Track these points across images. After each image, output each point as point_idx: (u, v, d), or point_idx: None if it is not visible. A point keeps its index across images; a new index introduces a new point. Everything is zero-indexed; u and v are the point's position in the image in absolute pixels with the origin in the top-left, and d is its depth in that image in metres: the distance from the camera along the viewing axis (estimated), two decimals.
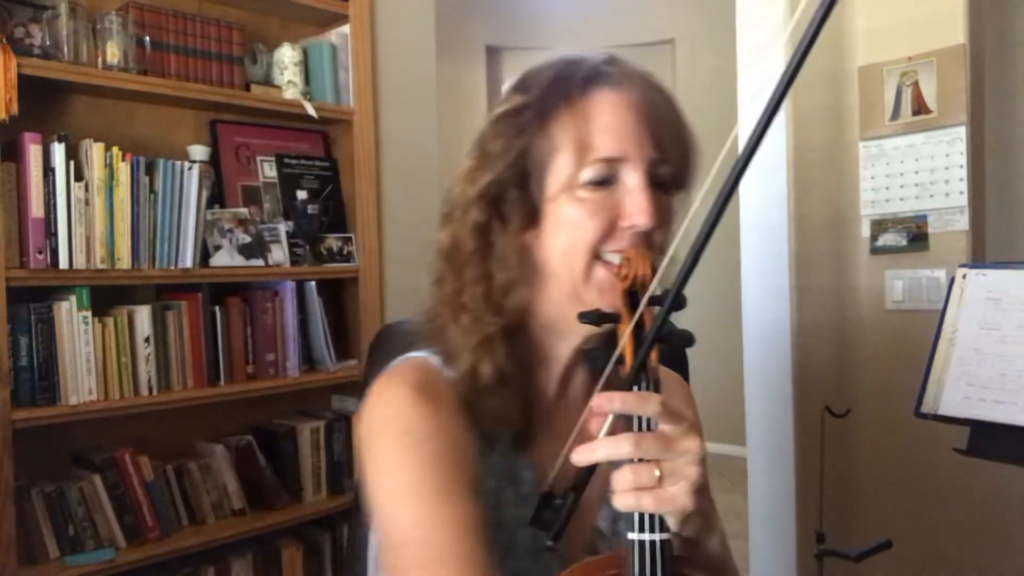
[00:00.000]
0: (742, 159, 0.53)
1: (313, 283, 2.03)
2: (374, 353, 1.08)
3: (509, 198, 0.78)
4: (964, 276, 1.50)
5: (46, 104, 1.73)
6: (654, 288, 0.66)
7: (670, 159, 0.77)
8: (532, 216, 0.78)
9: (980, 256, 2.16)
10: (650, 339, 0.63)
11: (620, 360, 0.67)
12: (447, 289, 0.82)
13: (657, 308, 0.66)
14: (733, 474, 3.31)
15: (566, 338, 0.82)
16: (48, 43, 1.65)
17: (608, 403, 0.63)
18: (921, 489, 2.18)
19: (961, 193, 2.12)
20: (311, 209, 2.01)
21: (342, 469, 2.03)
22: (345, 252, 2.12)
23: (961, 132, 2.11)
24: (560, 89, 0.77)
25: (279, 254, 1.95)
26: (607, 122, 0.75)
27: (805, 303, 2.29)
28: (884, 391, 2.24)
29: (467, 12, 4.44)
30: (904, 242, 2.22)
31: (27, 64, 1.56)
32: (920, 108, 2.17)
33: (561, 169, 0.76)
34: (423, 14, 2.36)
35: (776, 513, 2.31)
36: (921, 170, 2.18)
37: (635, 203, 0.74)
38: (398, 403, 0.76)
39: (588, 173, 0.75)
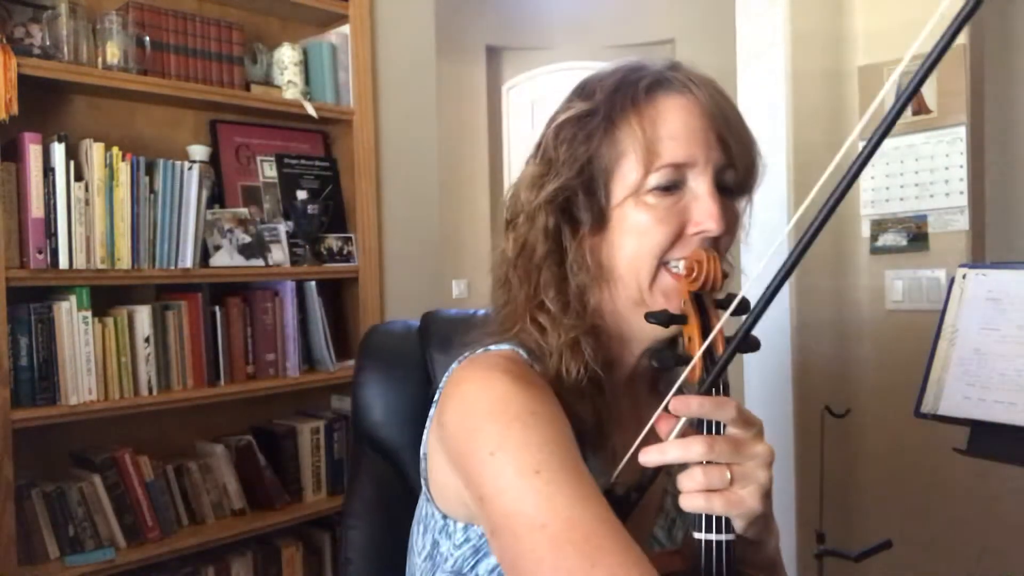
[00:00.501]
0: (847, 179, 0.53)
1: (313, 283, 2.03)
2: (364, 355, 1.08)
3: (577, 203, 0.78)
4: (964, 276, 1.50)
5: (46, 104, 1.73)
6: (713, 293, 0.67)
7: (736, 164, 0.77)
8: (599, 221, 0.78)
9: (980, 256, 2.16)
10: (733, 346, 0.63)
11: (687, 361, 0.67)
12: (519, 293, 0.81)
13: (721, 311, 0.68)
14: None
15: (630, 342, 0.82)
16: (48, 43, 1.65)
17: (685, 406, 0.63)
18: (921, 489, 2.18)
19: (961, 193, 2.12)
20: (311, 209, 2.01)
21: (342, 469, 2.03)
22: (345, 252, 2.12)
23: (961, 132, 2.11)
24: (626, 95, 0.77)
25: (279, 254, 1.95)
26: (674, 127, 0.75)
27: (805, 303, 2.29)
28: (884, 391, 2.24)
29: (467, 12, 4.43)
30: (904, 242, 2.22)
31: (27, 64, 1.56)
32: (920, 108, 2.17)
33: (628, 175, 0.76)
34: (423, 14, 2.36)
35: (776, 513, 2.30)
36: (921, 170, 2.18)
37: (704, 209, 0.75)
38: (507, 388, 0.71)
39: (655, 178, 0.75)
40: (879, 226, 2.27)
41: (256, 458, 1.89)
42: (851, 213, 2.31)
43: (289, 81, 2.04)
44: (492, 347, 0.81)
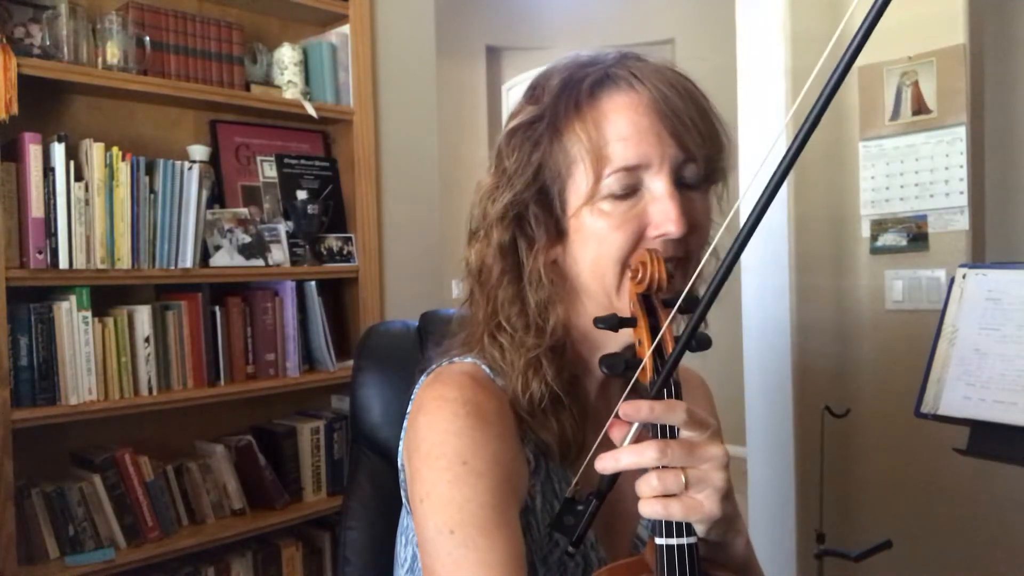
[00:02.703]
0: (776, 178, 0.52)
1: (313, 283, 2.03)
2: (363, 355, 1.07)
3: (531, 216, 0.76)
4: (964, 276, 1.50)
5: (46, 104, 1.73)
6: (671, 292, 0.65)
7: (696, 157, 0.73)
8: (557, 232, 0.76)
9: (980, 256, 2.16)
10: (680, 346, 0.62)
11: (637, 365, 0.66)
12: (480, 310, 0.80)
13: (673, 311, 0.65)
14: (733, 474, 3.30)
15: (604, 348, 0.80)
16: (48, 43, 1.65)
17: (636, 412, 0.62)
18: (921, 489, 2.18)
19: (961, 193, 2.12)
20: (311, 209, 2.01)
21: (342, 469, 2.03)
22: (345, 252, 2.12)
23: (961, 132, 2.11)
24: (569, 98, 0.74)
25: (279, 254, 1.95)
26: (621, 128, 0.71)
27: (805, 303, 2.29)
28: (884, 391, 2.24)
29: (467, 12, 4.44)
30: (904, 242, 2.22)
31: (27, 64, 1.56)
32: (920, 108, 2.17)
33: (580, 183, 0.73)
34: (423, 14, 2.36)
35: (776, 513, 2.31)
36: (921, 170, 2.18)
37: (663, 211, 0.71)
38: (451, 428, 0.72)
39: (608, 184, 0.72)
40: (879, 226, 2.27)
41: (256, 458, 1.89)
42: (851, 213, 2.31)
43: (289, 81, 2.04)
44: (457, 359, 0.80)
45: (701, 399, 0.94)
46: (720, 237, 0.66)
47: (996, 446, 1.37)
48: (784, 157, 0.50)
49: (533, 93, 0.78)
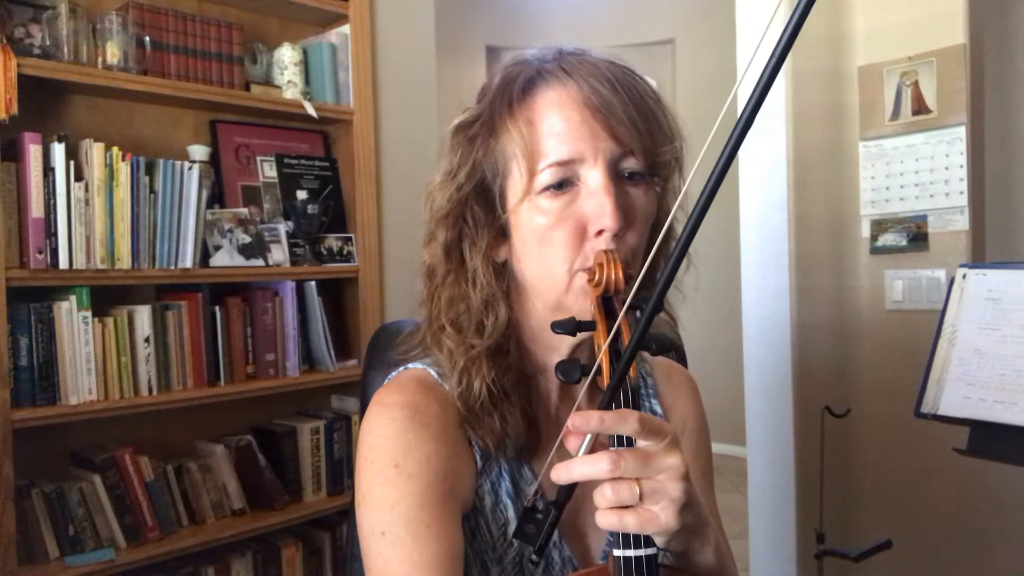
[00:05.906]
0: (724, 159, 0.50)
1: (313, 283, 2.03)
2: (372, 354, 1.08)
3: (473, 214, 0.76)
4: (964, 276, 1.50)
5: (46, 104, 1.73)
6: (631, 292, 0.63)
7: (634, 150, 0.72)
8: (498, 230, 0.76)
9: (980, 256, 2.16)
10: (629, 352, 0.60)
11: (598, 371, 0.64)
12: (429, 310, 0.81)
13: (633, 314, 0.63)
14: (733, 474, 3.31)
15: (556, 349, 0.79)
16: (48, 43, 1.65)
17: (585, 424, 0.60)
18: (921, 489, 2.18)
19: (961, 193, 2.12)
20: (311, 209, 2.01)
21: (342, 469, 2.04)
22: (345, 252, 2.12)
23: (961, 132, 2.11)
24: (504, 97, 0.74)
25: (279, 254, 1.95)
26: (552, 124, 0.71)
27: (805, 303, 2.29)
28: (884, 391, 2.24)
29: (467, 12, 4.44)
30: (904, 242, 2.22)
31: (27, 64, 1.57)
32: (920, 108, 2.17)
33: (517, 180, 0.73)
34: (423, 14, 2.36)
35: (776, 513, 2.31)
36: (921, 170, 2.18)
37: (598, 205, 0.70)
38: (386, 431, 0.73)
39: (543, 178, 0.71)
40: (879, 226, 2.27)
41: (256, 458, 1.89)
42: (851, 213, 2.31)
43: (289, 81, 2.04)
44: (410, 365, 0.82)
45: (685, 395, 0.93)
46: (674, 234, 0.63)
47: (996, 446, 1.37)
48: (723, 151, 0.49)
49: (481, 92, 0.79)
